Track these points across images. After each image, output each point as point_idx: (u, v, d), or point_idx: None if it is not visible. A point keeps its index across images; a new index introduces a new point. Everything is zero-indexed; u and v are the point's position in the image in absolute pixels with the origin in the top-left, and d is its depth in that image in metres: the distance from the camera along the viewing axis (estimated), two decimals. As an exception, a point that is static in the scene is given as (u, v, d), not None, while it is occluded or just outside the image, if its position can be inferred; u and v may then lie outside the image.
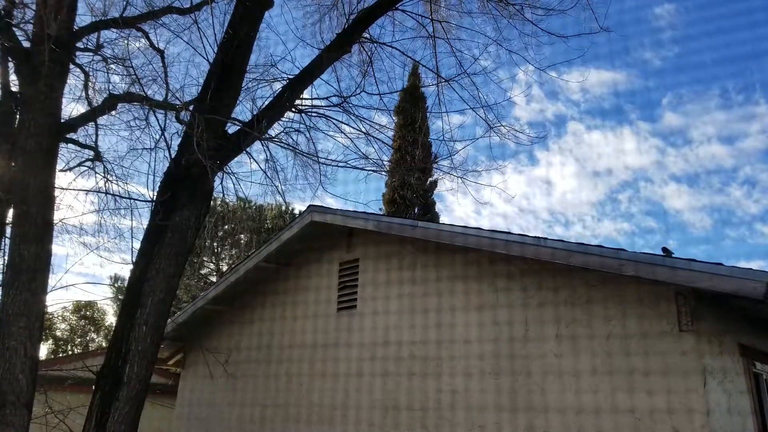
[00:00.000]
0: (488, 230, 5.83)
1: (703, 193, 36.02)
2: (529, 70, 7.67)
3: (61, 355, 24.81)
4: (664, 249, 5.05)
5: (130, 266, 5.93)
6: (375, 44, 7.87)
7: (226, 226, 24.37)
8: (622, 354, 5.06)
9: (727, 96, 30.59)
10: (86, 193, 6.54)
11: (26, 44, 5.81)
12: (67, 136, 6.10)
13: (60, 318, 26.56)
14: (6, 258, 5.35)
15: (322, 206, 7.41)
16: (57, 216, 5.67)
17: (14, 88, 5.93)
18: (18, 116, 5.77)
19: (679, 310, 4.83)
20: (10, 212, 5.68)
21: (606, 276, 5.16)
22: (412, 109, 15.95)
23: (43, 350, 26.07)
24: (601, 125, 37.86)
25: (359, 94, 7.39)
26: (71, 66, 6.05)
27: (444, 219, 19.05)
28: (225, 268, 24.02)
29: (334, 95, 7.33)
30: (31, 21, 5.83)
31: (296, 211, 22.80)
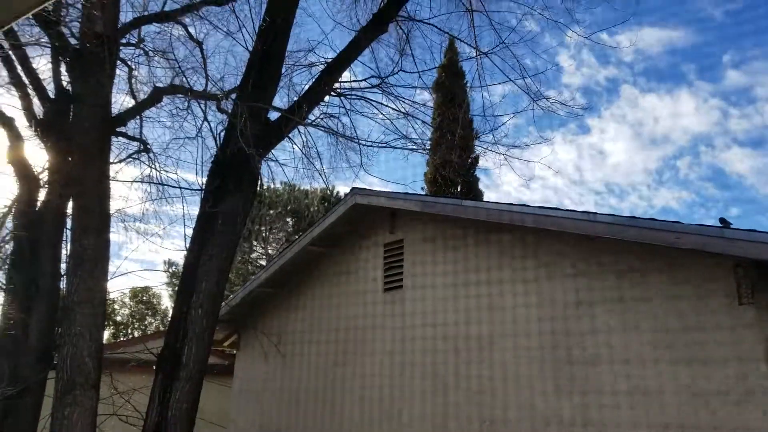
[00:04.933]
0: (535, 206, 5.72)
1: (769, 156, 34.02)
2: (576, 35, 7.37)
3: (122, 339, 26.04)
4: (722, 220, 4.84)
5: (184, 252, 6.15)
6: (412, 21, 7.76)
7: (272, 211, 24.81)
8: (678, 328, 4.91)
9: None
10: (140, 183, 6.79)
11: (73, 41, 6.01)
12: (118, 129, 6.32)
13: (120, 303, 27.85)
14: (69, 249, 5.63)
15: (364, 188, 7.44)
16: (113, 206, 5.91)
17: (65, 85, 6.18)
18: (71, 113, 6.01)
19: (738, 282, 4.65)
20: (70, 205, 5.96)
21: (661, 249, 5.00)
22: (451, 85, 15.66)
23: (106, 335, 27.40)
24: (656, 87, 36.02)
25: (397, 73, 7.34)
26: (117, 61, 6.23)
27: (489, 195, 18.79)
28: (273, 252, 24.53)
29: (372, 76, 7.30)
30: (78, 20, 6.02)
31: (341, 194, 22.96)
